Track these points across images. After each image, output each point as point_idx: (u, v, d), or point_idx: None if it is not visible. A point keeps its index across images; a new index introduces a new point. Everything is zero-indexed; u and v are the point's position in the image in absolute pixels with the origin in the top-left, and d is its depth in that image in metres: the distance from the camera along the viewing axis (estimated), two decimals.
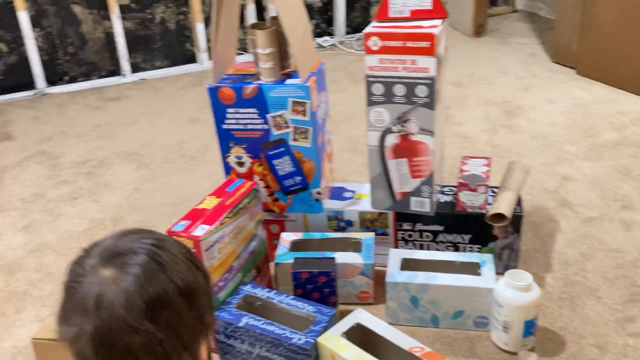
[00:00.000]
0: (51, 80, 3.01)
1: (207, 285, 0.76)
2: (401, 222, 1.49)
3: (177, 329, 0.69)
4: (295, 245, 1.45)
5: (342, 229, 1.52)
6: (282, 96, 1.33)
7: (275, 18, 1.33)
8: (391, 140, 1.37)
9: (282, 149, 1.40)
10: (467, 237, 1.47)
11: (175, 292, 0.69)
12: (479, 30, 3.32)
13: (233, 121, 1.38)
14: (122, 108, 2.75)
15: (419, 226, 1.48)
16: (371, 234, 1.45)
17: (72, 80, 3.05)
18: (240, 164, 1.44)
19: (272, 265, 1.49)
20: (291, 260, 1.37)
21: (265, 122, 1.37)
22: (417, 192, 1.42)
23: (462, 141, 2.22)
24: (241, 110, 1.36)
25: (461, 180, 1.41)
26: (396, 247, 1.52)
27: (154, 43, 3.15)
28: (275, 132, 1.38)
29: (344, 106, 2.60)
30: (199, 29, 3.13)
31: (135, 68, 3.13)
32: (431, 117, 1.32)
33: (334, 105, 2.63)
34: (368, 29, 1.28)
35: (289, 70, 1.40)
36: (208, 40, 3.20)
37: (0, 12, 2.81)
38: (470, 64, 3.00)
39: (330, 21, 3.48)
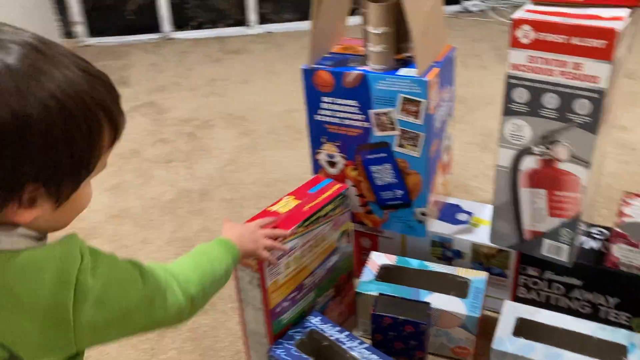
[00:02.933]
0: (178, 25, 2.92)
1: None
2: (526, 265, 1.16)
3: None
4: (385, 272, 1.18)
5: (449, 260, 1.22)
6: (391, 90, 1.04)
7: None
8: (529, 163, 1.03)
9: (383, 155, 1.11)
10: (613, 301, 1.10)
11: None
12: None
13: (328, 112, 1.11)
14: (240, 63, 2.58)
15: (548, 274, 1.14)
16: (484, 275, 1.14)
17: (198, 26, 2.93)
18: (332, 164, 1.18)
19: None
20: (374, 294, 1.10)
21: (367, 119, 1.09)
22: (553, 235, 1.07)
23: (625, 153, 1.77)
24: (339, 100, 1.09)
25: (618, 229, 1.04)
26: (514, 294, 1.20)
27: None
28: (378, 133, 1.09)
29: (481, 88, 2.21)
30: None
31: (263, 19, 2.94)
32: (590, 143, 0.96)
33: (470, 85, 2.25)
34: (519, 13, 0.93)
35: (407, 55, 1.10)
36: None
37: None
38: None
39: None
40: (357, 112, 1.08)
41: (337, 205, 1.10)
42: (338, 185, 1.10)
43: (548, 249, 1.09)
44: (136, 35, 2.88)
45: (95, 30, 2.86)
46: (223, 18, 2.94)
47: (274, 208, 1.05)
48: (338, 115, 1.11)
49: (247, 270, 0.99)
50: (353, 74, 1.05)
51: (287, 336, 1.05)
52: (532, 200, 1.06)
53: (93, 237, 1.54)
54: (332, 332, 1.05)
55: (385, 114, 1.07)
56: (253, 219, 1.00)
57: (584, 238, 1.14)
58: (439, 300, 1.09)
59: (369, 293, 1.12)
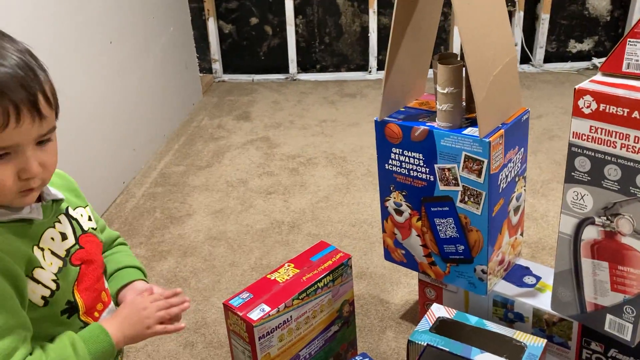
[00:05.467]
0: (303, 67, 3.11)
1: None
2: (589, 339, 1.11)
3: None
4: (441, 325, 1.18)
5: (510, 322, 1.20)
6: (454, 147, 1.07)
7: None
8: (591, 233, 1.00)
9: (446, 208, 1.14)
10: None
11: None
12: None
13: (397, 163, 1.17)
14: (352, 106, 2.69)
15: (613, 352, 1.09)
16: (542, 342, 1.11)
17: (322, 69, 3.11)
18: (399, 212, 1.22)
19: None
20: (424, 344, 1.12)
21: (431, 173, 1.13)
22: (616, 310, 1.02)
23: None
24: (406, 152, 1.14)
25: None
26: None
27: None
28: (442, 187, 1.13)
29: None
30: (457, 32, 2.89)
31: (382, 65, 3.04)
32: None
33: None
34: (583, 84, 0.93)
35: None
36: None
37: None
38: None
39: (616, 39, 2.90)
40: (422, 165, 1.13)
41: (337, 276, 1.14)
42: (340, 255, 1.15)
43: (610, 325, 1.04)
44: (265, 74, 3.12)
45: (230, 67, 3.14)
46: (345, 62, 3.09)
47: (273, 276, 1.11)
48: (405, 166, 1.16)
49: (240, 341, 1.04)
50: (420, 129, 1.10)
51: None
52: (594, 272, 1.03)
53: (190, 255, 1.70)
54: None
55: (449, 169, 1.10)
56: (245, 290, 1.06)
57: None
58: None
59: (419, 342, 1.14)
